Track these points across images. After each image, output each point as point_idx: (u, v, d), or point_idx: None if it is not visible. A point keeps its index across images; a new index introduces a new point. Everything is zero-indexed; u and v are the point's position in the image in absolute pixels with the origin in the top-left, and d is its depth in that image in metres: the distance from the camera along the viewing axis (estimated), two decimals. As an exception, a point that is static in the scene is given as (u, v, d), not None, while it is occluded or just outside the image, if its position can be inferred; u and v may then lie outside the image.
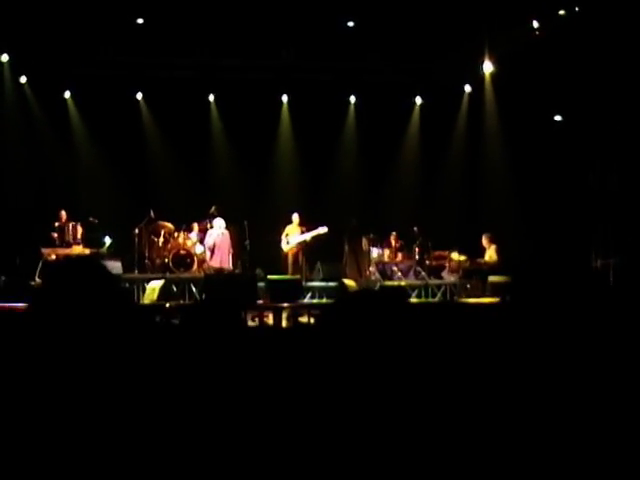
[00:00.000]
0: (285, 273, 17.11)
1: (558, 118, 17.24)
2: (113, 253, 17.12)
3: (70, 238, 17.01)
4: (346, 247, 17.91)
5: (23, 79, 18.55)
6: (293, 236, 17.57)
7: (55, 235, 17.03)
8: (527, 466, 1.97)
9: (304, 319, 12.69)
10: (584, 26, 14.81)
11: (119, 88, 18.66)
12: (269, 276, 15.27)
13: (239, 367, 2.31)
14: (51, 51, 17.31)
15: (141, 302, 14.07)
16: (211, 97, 19.93)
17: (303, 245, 17.42)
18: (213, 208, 17.41)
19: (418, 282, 16.66)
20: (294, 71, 19.11)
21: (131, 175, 18.95)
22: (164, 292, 14.73)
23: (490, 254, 16.32)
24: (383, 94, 19.03)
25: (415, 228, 17.42)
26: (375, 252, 17.66)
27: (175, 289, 15.68)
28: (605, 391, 2.05)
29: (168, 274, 16.42)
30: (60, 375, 2.12)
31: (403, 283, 16.23)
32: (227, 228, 17.19)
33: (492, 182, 18.87)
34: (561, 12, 15.43)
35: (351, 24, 17.06)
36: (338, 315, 2.22)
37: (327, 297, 15.26)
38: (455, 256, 16.86)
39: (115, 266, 15.79)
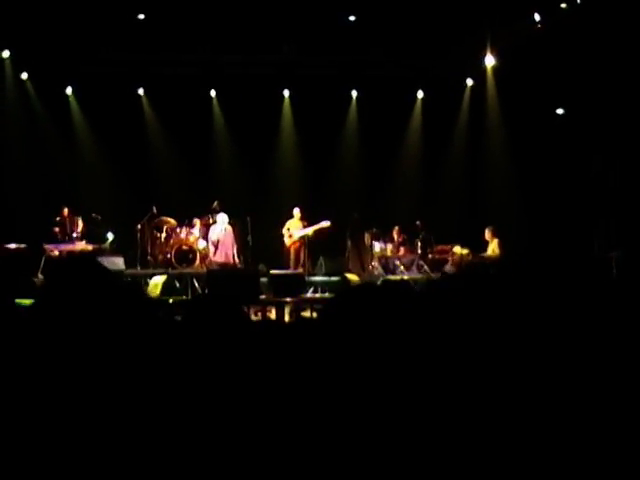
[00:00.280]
0: (287, 268, 17.13)
1: (560, 111, 17.23)
2: (116, 249, 17.15)
3: (72, 234, 17.02)
4: (348, 241, 17.90)
5: (24, 75, 18.55)
6: (295, 230, 17.59)
7: (57, 230, 17.04)
8: (529, 460, 1.97)
9: (307, 314, 12.71)
10: (586, 19, 14.79)
11: (121, 84, 18.68)
12: (272, 271, 15.28)
13: (242, 361, 2.31)
14: (52, 47, 17.30)
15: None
16: (213, 92, 19.94)
17: (305, 239, 17.43)
18: (215, 203, 17.42)
19: (421, 276, 16.65)
20: (295, 66, 19.10)
21: (133, 171, 18.96)
22: (167, 287, 14.75)
23: (493, 248, 16.32)
24: (385, 88, 19.01)
25: (417, 222, 17.42)
26: (378, 246, 17.64)
27: (178, 284, 15.68)
28: (607, 382, 2.04)
29: (171, 269, 16.43)
30: (63, 371, 2.13)
31: (406, 277, 16.22)
32: (230, 223, 17.20)
33: (494, 176, 18.86)
34: (563, 5, 15.40)
35: (352, 18, 17.03)
36: (340, 308, 2.22)
37: (330, 292, 15.26)
38: (458, 250, 16.85)
39: (118, 262, 15.81)
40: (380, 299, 2.19)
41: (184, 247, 17.29)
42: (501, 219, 17.07)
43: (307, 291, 15.17)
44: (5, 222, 16.71)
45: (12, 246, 15.66)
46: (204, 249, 17.27)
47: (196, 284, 15.56)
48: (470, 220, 17.94)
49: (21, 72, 18.45)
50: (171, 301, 12.28)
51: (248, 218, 17.21)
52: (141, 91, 19.66)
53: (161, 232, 17.63)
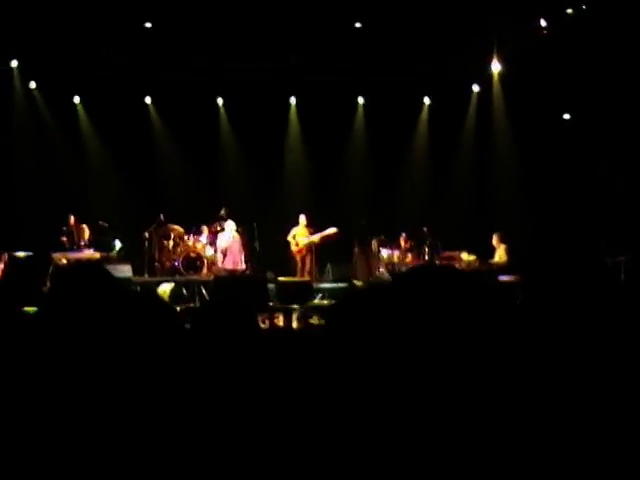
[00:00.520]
0: (295, 275, 17.13)
1: (567, 117, 17.22)
2: (123, 257, 17.15)
3: (79, 242, 17.06)
4: (356, 248, 17.89)
5: (33, 84, 18.64)
6: (301, 237, 17.59)
7: (64, 239, 17.08)
8: (545, 467, 1.97)
9: (314, 321, 12.70)
10: (592, 24, 14.78)
11: (128, 92, 18.72)
12: (279, 278, 15.28)
13: (251, 369, 2.32)
14: (60, 56, 17.38)
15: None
16: (220, 100, 19.97)
17: (311, 246, 17.44)
18: (223, 211, 17.45)
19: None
20: (302, 73, 19.12)
21: (141, 179, 19.00)
22: (174, 295, 14.77)
23: (500, 254, 16.29)
24: (391, 95, 19.00)
25: (425, 228, 17.39)
26: (385, 253, 17.62)
27: (185, 292, 15.70)
28: (617, 390, 2.04)
29: (178, 277, 16.45)
30: (69, 378, 2.13)
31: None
32: (237, 230, 17.23)
33: (501, 182, 18.85)
34: (569, 11, 15.40)
35: (358, 25, 17.05)
36: (345, 312, 2.22)
37: (337, 298, 15.23)
38: (465, 256, 16.81)
39: (125, 270, 15.82)
40: (386, 301, 2.18)
41: (192, 254, 17.30)
42: (508, 225, 17.04)
43: (315, 298, 15.16)
44: (13, 230, 16.74)
45: (20, 254, 15.70)
46: (212, 256, 17.28)
47: (204, 291, 15.57)
48: (477, 226, 17.90)
49: (29, 81, 18.53)
50: (179, 309, 12.27)
51: (255, 225, 17.23)
52: (148, 99, 19.71)
53: (168, 240, 17.65)
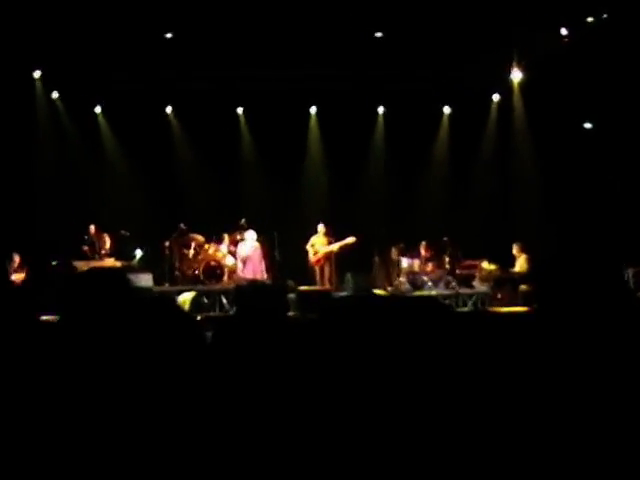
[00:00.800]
0: (314, 284, 17.14)
1: (588, 126, 17.17)
2: (144, 266, 17.22)
3: (101, 251, 17.15)
4: (376, 257, 17.88)
5: (55, 94, 18.78)
6: (320, 247, 17.60)
7: (86, 248, 17.19)
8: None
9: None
10: (612, 33, 14.74)
11: (149, 102, 18.81)
12: (300, 287, 15.28)
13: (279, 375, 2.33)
14: (82, 67, 17.50)
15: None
16: (240, 109, 20.02)
17: (330, 255, 17.45)
18: (243, 220, 17.47)
19: (449, 292, 16.59)
20: (322, 82, 19.15)
21: (161, 188, 19.08)
22: (195, 304, 14.80)
23: (521, 263, 16.25)
24: (411, 104, 19.00)
25: (445, 237, 17.35)
26: (405, 262, 17.59)
27: (206, 301, 15.74)
28: (628, 398, 2.04)
29: (199, 286, 16.48)
30: (87, 385, 2.15)
31: (434, 293, 16.17)
32: (258, 240, 17.26)
33: (522, 191, 18.80)
34: (589, 19, 15.36)
35: (379, 34, 17.06)
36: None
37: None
38: (486, 265, 16.78)
39: (146, 279, 15.88)
40: (406, 315, 2.19)
41: (212, 263, 17.33)
42: (529, 234, 16.99)
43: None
44: (36, 239, 16.84)
45: (43, 263, 15.79)
46: (232, 265, 17.31)
47: (224, 300, 15.60)
48: (498, 235, 17.86)
49: (52, 91, 18.67)
50: (199, 318, 12.30)
51: (275, 234, 17.26)
52: (169, 109, 19.79)
53: (189, 249, 17.69)
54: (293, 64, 18.22)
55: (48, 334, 2.44)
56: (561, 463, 1.98)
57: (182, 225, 17.57)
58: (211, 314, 14.46)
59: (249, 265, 17.09)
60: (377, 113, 20.35)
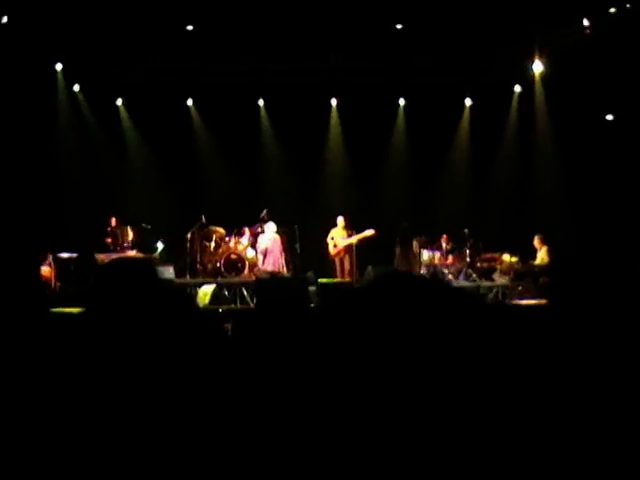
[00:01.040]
0: (335, 276, 17.15)
1: (610, 117, 17.06)
2: (165, 258, 17.28)
3: (123, 243, 17.23)
4: (397, 250, 17.86)
5: (76, 87, 18.86)
6: (339, 239, 17.62)
7: (109, 241, 17.28)
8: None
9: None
10: (635, 24, 14.63)
11: (170, 94, 18.86)
12: (320, 280, 15.29)
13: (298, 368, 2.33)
14: (103, 60, 17.57)
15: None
16: (261, 102, 20.04)
17: (349, 248, 17.45)
18: (264, 212, 17.48)
19: (469, 284, 16.55)
20: (343, 74, 19.14)
21: (183, 181, 19.14)
22: (216, 297, 14.84)
23: (542, 256, 16.20)
24: (432, 96, 18.96)
25: (466, 230, 17.30)
26: (426, 254, 17.57)
27: (227, 293, 15.78)
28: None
29: (220, 279, 16.51)
30: (115, 377, 2.16)
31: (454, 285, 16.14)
32: (278, 232, 17.28)
33: (543, 183, 18.71)
34: (612, 10, 15.24)
35: (399, 26, 17.02)
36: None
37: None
38: (506, 258, 16.73)
39: (168, 271, 15.93)
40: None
41: (233, 256, 17.35)
42: (550, 226, 16.93)
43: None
44: (58, 232, 16.93)
45: (65, 255, 15.89)
46: (253, 258, 17.33)
47: (245, 293, 15.63)
48: (519, 228, 17.80)
49: (73, 84, 18.76)
50: (220, 310, 12.34)
51: (296, 226, 17.27)
52: (190, 101, 19.84)
53: (210, 241, 17.72)
54: (314, 56, 18.22)
55: (74, 326, 2.46)
56: (576, 450, 1.98)
57: (203, 218, 17.60)
58: (232, 307, 14.48)
59: (269, 257, 17.12)
60: (398, 105, 20.31)
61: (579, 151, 17.27)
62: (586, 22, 15.80)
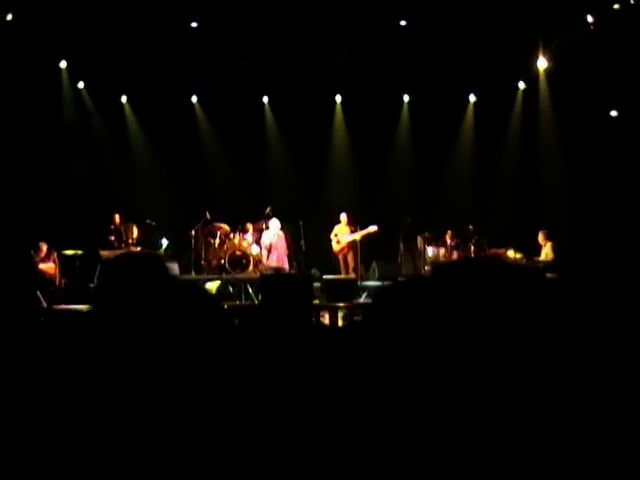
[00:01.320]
0: (339, 273, 17.17)
1: (614, 114, 17.04)
2: (170, 255, 17.31)
3: (127, 240, 17.25)
4: (401, 246, 17.87)
5: (81, 84, 18.88)
6: (342, 236, 17.64)
7: (112, 238, 17.30)
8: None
9: (360, 319, 12.66)
10: (639, 20, 14.61)
11: (174, 91, 18.88)
12: (325, 276, 15.30)
13: (303, 367, 2.34)
14: (107, 57, 17.59)
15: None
16: (265, 98, 20.04)
17: (352, 244, 17.47)
18: (268, 209, 17.51)
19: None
20: (347, 71, 19.15)
21: (187, 177, 19.16)
22: (221, 293, 14.85)
23: (546, 252, 16.19)
24: (436, 92, 18.96)
25: (470, 226, 17.31)
26: (431, 251, 17.58)
27: (231, 290, 15.79)
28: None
29: (224, 275, 16.54)
30: (122, 373, 2.17)
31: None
32: (282, 229, 17.31)
33: (548, 179, 18.69)
34: (616, 6, 15.23)
35: (404, 23, 17.02)
36: (386, 307, 2.22)
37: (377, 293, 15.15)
38: (511, 254, 16.71)
39: (172, 268, 15.95)
40: (429, 293, 2.18)
41: (237, 252, 17.38)
42: (555, 223, 16.91)
43: (360, 296, 15.16)
44: (63, 228, 16.95)
45: (69, 252, 15.90)
46: (257, 254, 17.36)
47: (249, 289, 15.65)
48: (524, 224, 17.78)
49: (78, 81, 18.77)
50: (225, 307, 12.36)
51: (301, 223, 17.29)
52: (194, 98, 19.85)
53: (215, 238, 17.76)
54: (318, 53, 18.23)
55: (80, 323, 2.47)
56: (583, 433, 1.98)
57: (208, 214, 17.63)
58: (237, 303, 14.50)
59: (274, 253, 17.16)
60: (402, 102, 20.31)
61: (583, 147, 17.24)
62: (590, 18, 15.79)
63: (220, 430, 2.14)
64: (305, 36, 17.08)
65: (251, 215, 17.89)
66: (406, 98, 20.26)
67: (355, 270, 17.27)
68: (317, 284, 14.63)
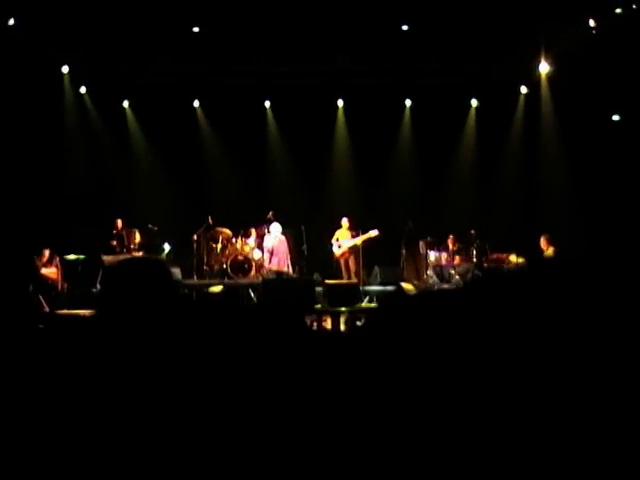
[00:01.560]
0: (340, 277, 17.17)
1: (616, 118, 17.03)
2: (172, 259, 17.31)
3: (129, 245, 17.25)
4: (403, 250, 17.87)
5: (83, 89, 18.89)
6: (344, 241, 17.64)
7: (114, 243, 17.29)
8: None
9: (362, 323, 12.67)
10: (641, 24, 14.63)
11: (176, 96, 18.90)
12: (327, 280, 15.30)
13: (300, 371, 2.34)
14: (109, 62, 17.61)
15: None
16: (267, 103, 20.05)
17: (354, 249, 17.47)
18: (270, 213, 17.53)
19: (476, 285, 16.49)
20: (349, 75, 19.15)
21: (189, 182, 19.17)
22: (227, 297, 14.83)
23: (548, 256, 16.17)
24: (438, 97, 18.97)
25: (472, 230, 17.29)
26: (432, 255, 17.58)
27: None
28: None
29: (227, 280, 16.55)
30: (124, 377, 2.17)
31: (461, 286, 16.12)
32: (284, 233, 17.32)
33: (550, 183, 18.68)
34: (618, 10, 15.23)
35: (405, 28, 17.02)
36: (390, 318, 2.23)
37: (384, 303, 15.18)
38: (513, 258, 16.71)
39: (174, 272, 15.94)
40: (431, 308, 2.19)
41: (240, 257, 17.39)
42: (557, 227, 16.90)
43: (362, 300, 15.16)
44: (65, 233, 16.94)
45: (71, 257, 15.91)
46: (259, 259, 17.37)
47: (252, 294, 15.65)
48: (525, 228, 17.76)
49: (80, 87, 18.78)
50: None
51: (303, 227, 17.29)
52: (196, 103, 19.86)
53: (217, 242, 17.77)
54: (320, 58, 18.24)
55: (83, 328, 2.47)
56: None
57: (210, 219, 17.65)
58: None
59: (275, 257, 17.17)
60: (404, 106, 20.31)
61: (585, 152, 17.23)
62: (592, 23, 15.79)
63: (218, 431, 2.15)
64: (307, 41, 17.09)
65: (253, 220, 17.90)
66: (408, 102, 20.25)
67: (357, 275, 17.27)
68: (319, 289, 14.62)
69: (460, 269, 17.41)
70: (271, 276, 16.73)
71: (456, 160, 20.13)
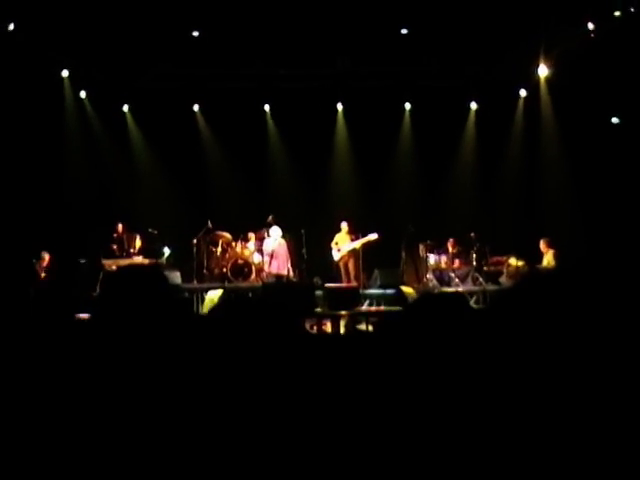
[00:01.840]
0: (340, 281, 17.16)
1: (615, 121, 17.05)
2: (172, 263, 17.31)
3: (129, 249, 17.27)
4: (403, 254, 17.86)
5: (83, 94, 18.90)
6: (343, 244, 17.65)
7: (114, 247, 17.30)
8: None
9: (362, 326, 12.69)
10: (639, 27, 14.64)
11: (176, 100, 18.91)
12: (327, 284, 15.30)
13: (298, 374, 2.35)
14: (109, 66, 17.62)
15: (201, 312, 14.13)
16: (267, 107, 20.06)
17: (353, 253, 17.47)
18: (270, 217, 17.52)
19: (476, 288, 16.53)
20: (349, 79, 19.17)
21: (189, 186, 19.17)
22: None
23: (548, 259, 16.18)
24: (438, 100, 18.97)
25: (472, 234, 17.28)
26: (432, 258, 17.57)
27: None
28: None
29: (227, 284, 16.54)
30: (122, 381, 2.18)
31: (461, 289, 16.12)
32: (284, 237, 17.31)
33: (549, 186, 18.69)
34: (616, 13, 15.25)
35: (405, 31, 17.04)
36: (399, 322, 2.23)
37: (385, 304, 15.22)
38: (513, 261, 16.71)
39: (174, 276, 15.95)
40: (439, 312, 2.20)
41: (240, 261, 17.40)
42: (557, 230, 16.91)
43: (362, 304, 15.16)
44: (65, 238, 16.95)
45: (71, 261, 15.91)
46: (259, 263, 17.37)
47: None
48: (525, 231, 17.77)
49: (80, 91, 18.78)
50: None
51: (303, 231, 17.27)
52: (196, 107, 19.88)
53: (217, 246, 17.78)
54: (320, 61, 18.25)
55: (82, 332, 2.48)
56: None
57: (210, 223, 17.65)
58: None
59: (275, 261, 17.15)
60: (404, 109, 20.32)
61: (585, 154, 17.24)
62: (591, 26, 15.81)
63: (217, 434, 2.15)
64: (307, 44, 17.10)
65: (253, 223, 17.90)
66: (408, 106, 20.25)
67: (357, 278, 17.27)
68: (319, 292, 14.62)
69: (460, 272, 17.42)
70: (271, 280, 16.73)
71: (456, 163, 20.14)
